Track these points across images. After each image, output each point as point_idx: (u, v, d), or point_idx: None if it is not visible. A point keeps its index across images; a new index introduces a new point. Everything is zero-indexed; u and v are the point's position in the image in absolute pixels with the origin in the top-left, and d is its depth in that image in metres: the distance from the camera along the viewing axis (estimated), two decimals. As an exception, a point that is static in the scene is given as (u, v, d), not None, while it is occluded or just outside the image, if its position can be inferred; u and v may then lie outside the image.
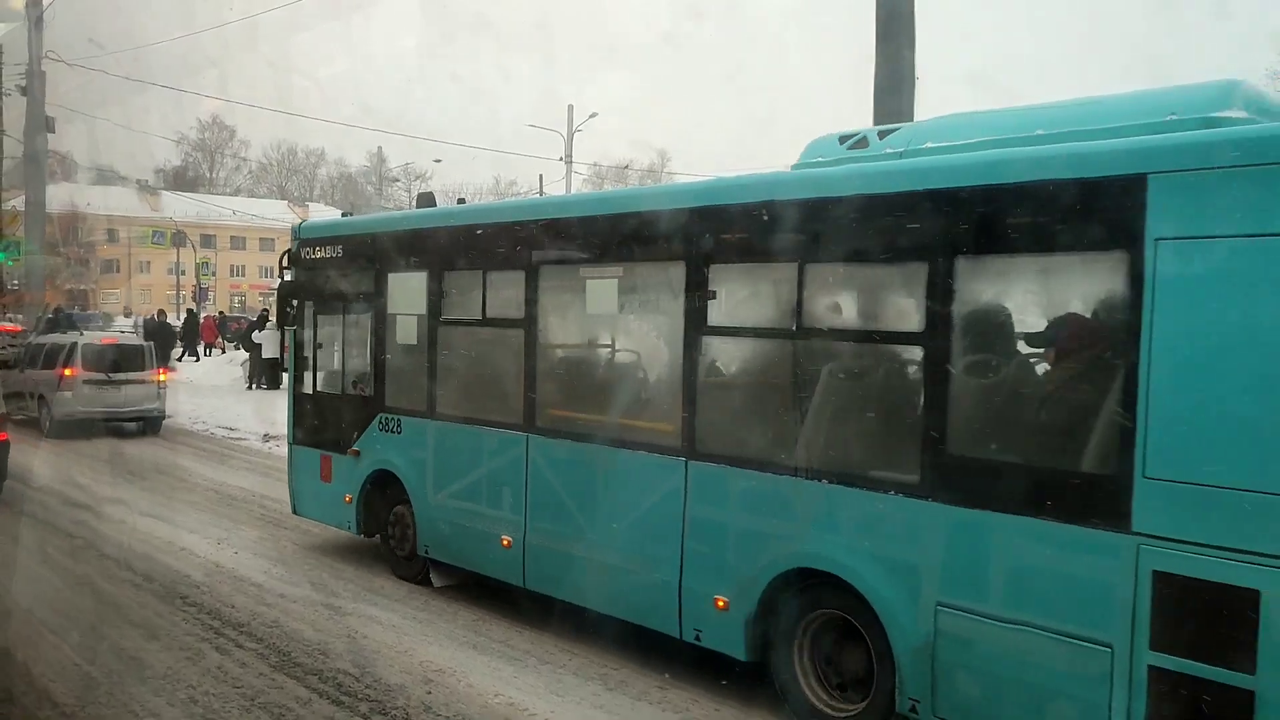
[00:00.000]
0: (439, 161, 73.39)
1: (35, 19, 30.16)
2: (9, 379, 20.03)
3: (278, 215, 73.48)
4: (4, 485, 12.25)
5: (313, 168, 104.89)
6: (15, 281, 34.54)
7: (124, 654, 7.27)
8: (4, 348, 23.19)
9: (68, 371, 18.45)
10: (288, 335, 10.68)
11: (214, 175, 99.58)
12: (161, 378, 19.48)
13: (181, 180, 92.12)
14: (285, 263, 10.59)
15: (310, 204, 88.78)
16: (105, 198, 71.83)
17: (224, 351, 37.41)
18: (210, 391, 24.86)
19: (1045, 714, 5.12)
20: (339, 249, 10.03)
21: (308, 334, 10.42)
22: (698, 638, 6.75)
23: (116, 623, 7.94)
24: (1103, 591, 4.86)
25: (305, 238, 10.44)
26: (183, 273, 68.83)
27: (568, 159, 45.60)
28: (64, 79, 31.60)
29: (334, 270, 10.07)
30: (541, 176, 51.30)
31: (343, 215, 12.31)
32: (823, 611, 6.20)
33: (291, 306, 10.50)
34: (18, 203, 43.70)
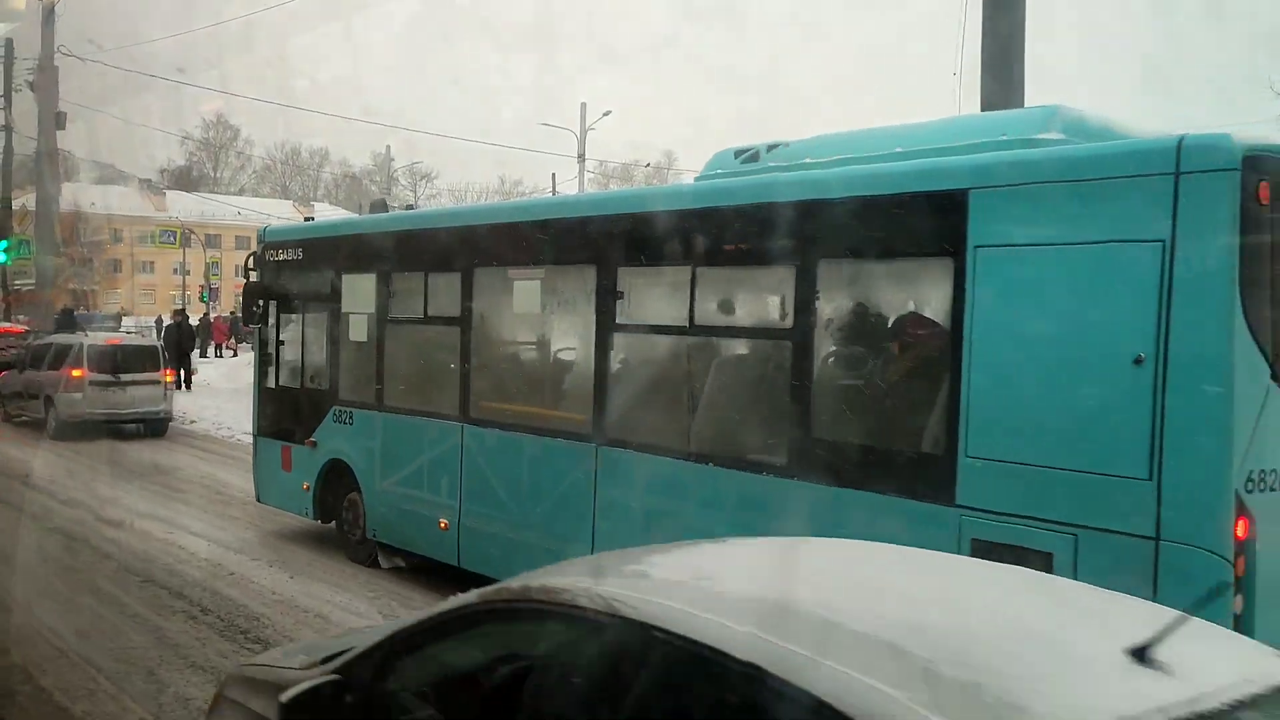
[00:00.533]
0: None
1: (47, 12, 29.42)
2: (11, 380, 20.39)
3: (283, 215, 73.73)
4: None
5: (316, 168, 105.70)
6: (17, 282, 34.34)
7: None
8: (4, 349, 23.29)
9: (74, 372, 18.24)
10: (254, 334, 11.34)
11: (218, 175, 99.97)
12: (169, 379, 19.30)
13: (185, 180, 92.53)
14: (250, 264, 11.24)
15: (315, 204, 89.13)
16: (107, 197, 72.20)
17: (236, 354, 37.54)
18: (230, 395, 23.14)
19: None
20: (299, 252, 10.69)
21: (271, 332, 11.07)
22: (606, 609, 7.37)
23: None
24: (934, 558, 5.48)
25: (270, 241, 11.10)
26: (187, 272, 69.54)
27: (580, 157, 45.11)
28: (67, 76, 30.40)
29: (295, 272, 10.72)
30: (554, 175, 50.94)
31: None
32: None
33: (257, 306, 11.13)
34: (28, 200, 43.81)
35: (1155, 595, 4.66)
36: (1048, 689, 2.26)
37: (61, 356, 18.72)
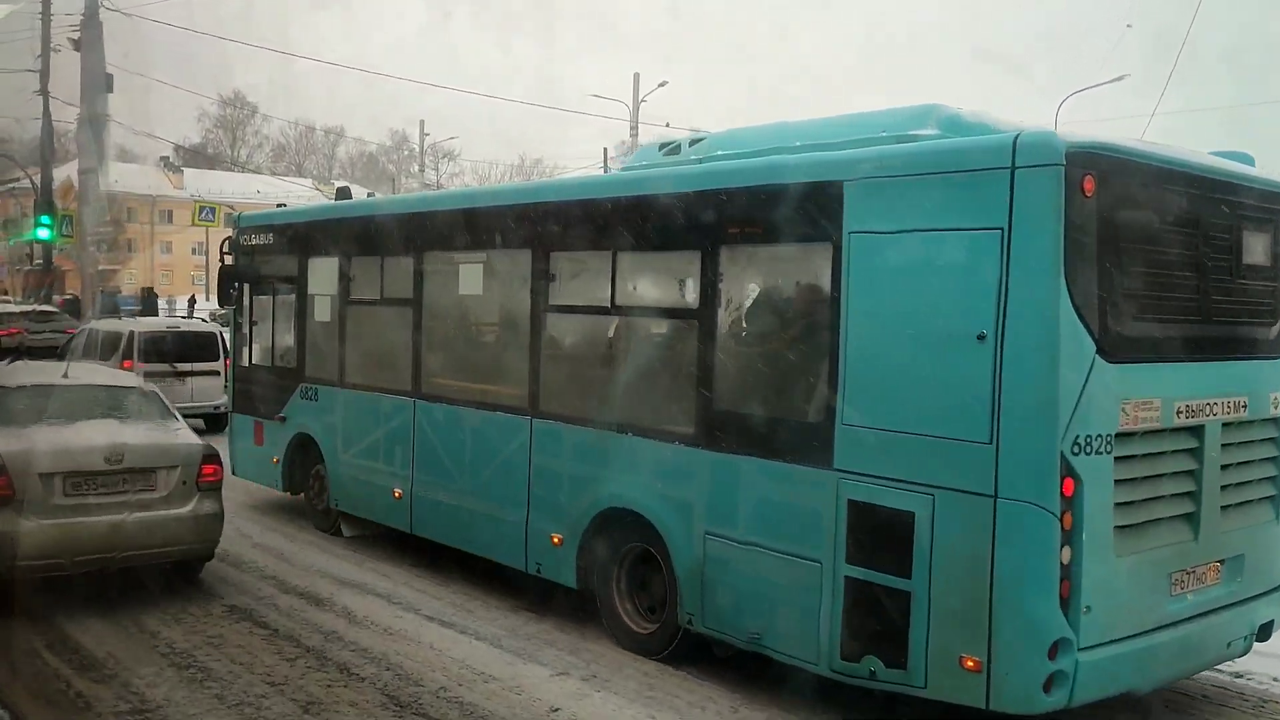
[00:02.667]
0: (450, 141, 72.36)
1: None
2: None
3: (302, 194, 73.09)
4: None
5: (331, 146, 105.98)
6: (35, 259, 32.10)
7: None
8: (34, 334, 22.61)
9: (124, 365, 15.65)
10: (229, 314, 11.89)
11: (235, 153, 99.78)
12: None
13: (201, 158, 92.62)
14: (225, 249, 11.78)
15: (335, 183, 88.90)
16: (123, 174, 71.88)
17: None
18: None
19: (776, 619, 6.28)
20: (270, 237, 11.24)
21: (245, 313, 11.63)
22: (539, 570, 7.94)
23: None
24: (815, 517, 6.01)
25: (244, 226, 11.66)
26: (205, 252, 69.60)
27: (633, 129, 42.50)
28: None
29: (266, 256, 11.27)
30: (606, 150, 49.70)
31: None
32: (631, 545, 7.36)
33: (233, 288, 11.68)
34: (70, 171, 42.17)
35: (994, 547, 5.21)
36: None
37: (110, 346, 16.41)
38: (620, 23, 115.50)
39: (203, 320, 28.75)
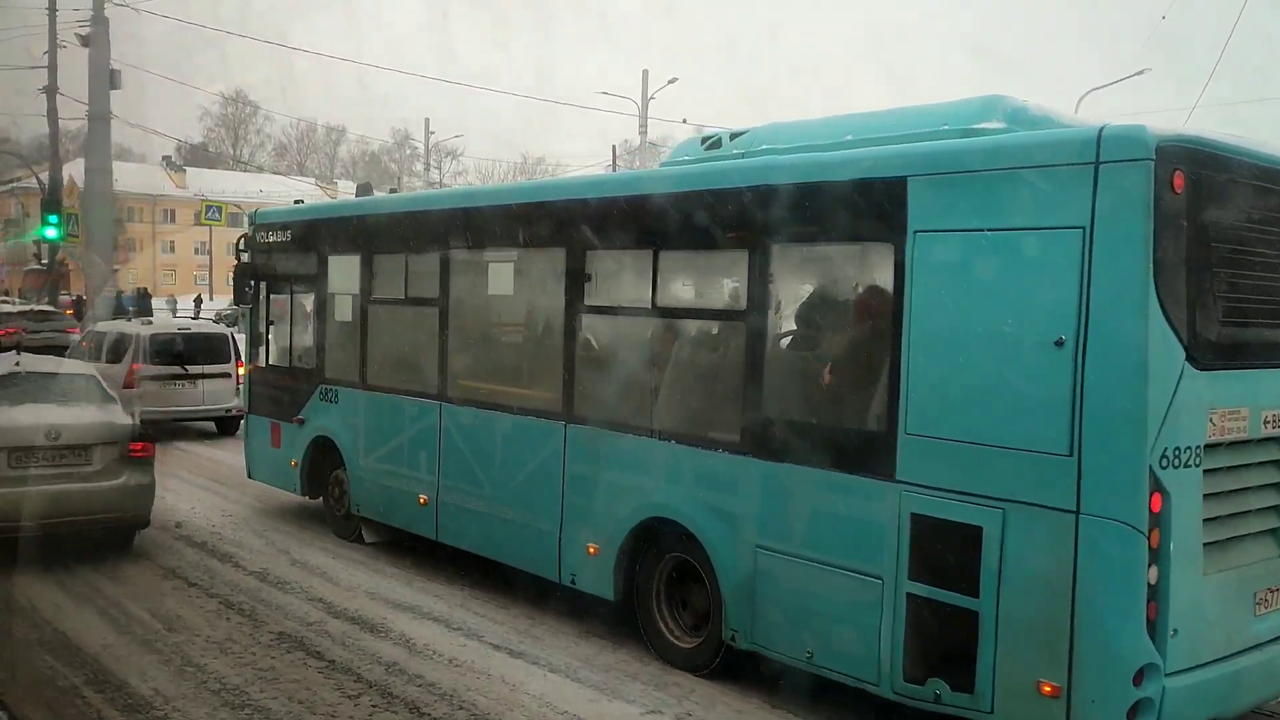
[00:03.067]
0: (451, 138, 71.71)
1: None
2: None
3: (306, 193, 72.82)
4: None
5: (333, 145, 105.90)
6: (42, 259, 31.61)
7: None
8: (33, 334, 22.46)
9: (132, 367, 15.85)
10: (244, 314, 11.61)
11: (237, 152, 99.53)
12: (241, 371, 16.13)
13: (201, 157, 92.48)
14: (241, 246, 11.49)
15: (339, 182, 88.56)
16: (123, 173, 71.69)
17: None
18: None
19: (833, 638, 5.98)
20: (288, 234, 10.93)
21: (262, 313, 11.33)
22: (573, 581, 7.64)
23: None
24: (875, 531, 5.71)
25: (260, 223, 11.36)
26: (209, 252, 69.49)
27: (642, 128, 41.98)
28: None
29: (284, 254, 10.97)
30: (615, 147, 49.34)
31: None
32: (672, 555, 7.06)
33: (248, 287, 11.39)
34: (73, 170, 40.75)
35: (1075, 567, 4.90)
36: None
37: (120, 347, 16.35)
38: (615, 22, 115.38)
39: (212, 320, 28.43)
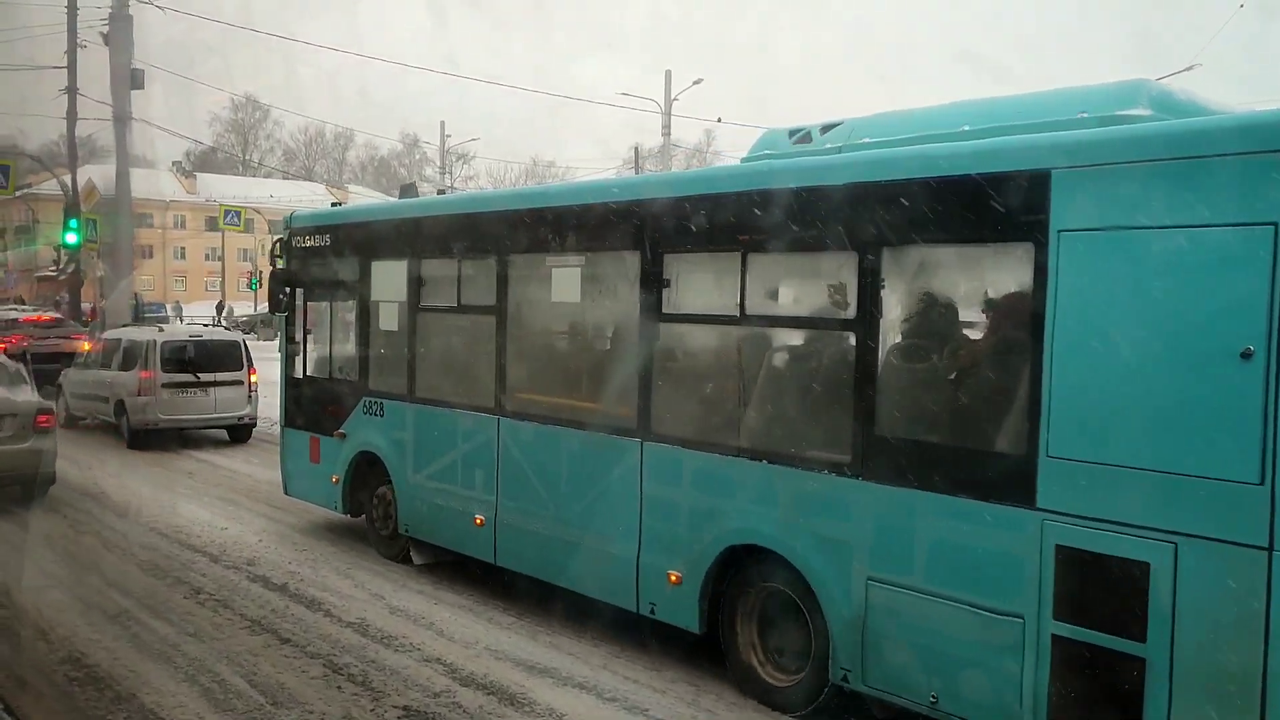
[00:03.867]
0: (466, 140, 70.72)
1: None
2: (77, 380, 18.29)
3: (316, 198, 71.91)
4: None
5: (341, 149, 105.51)
6: (51, 270, 31.16)
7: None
8: (40, 339, 22.41)
9: (145, 374, 16.19)
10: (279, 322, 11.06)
11: (247, 157, 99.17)
12: (253, 379, 17.02)
13: (211, 163, 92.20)
14: (277, 251, 10.95)
15: (350, 187, 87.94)
16: (135, 178, 71.17)
17: None
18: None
19: (964, 682, 5.39)
20: (328, 238, 10.38)
21: (299, 320, 10.78)
22: (652, 611, 7.06)
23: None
24: (1013, 565, 5.12)
25: (297, 227, 10.79)
26: (220, 258, 69.07)
27: (665, 130, 40.50)
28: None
29: (323, 259, 10.41)
30: (637, 148, 48.67)
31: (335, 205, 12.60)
32: (765, 586, 6.48)
33: (284, 294, 10.84)
34: (90, 174, 40.69)
35: (1269, 611, 4.31)
36: None
37: (133, 355, 16.67)
38: (615, 22, 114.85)
39: (225, 328, 27.93)
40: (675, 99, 39.02)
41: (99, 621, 7.79)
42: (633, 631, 7.49)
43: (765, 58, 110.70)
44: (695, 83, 40.11)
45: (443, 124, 53.75)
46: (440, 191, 13.30)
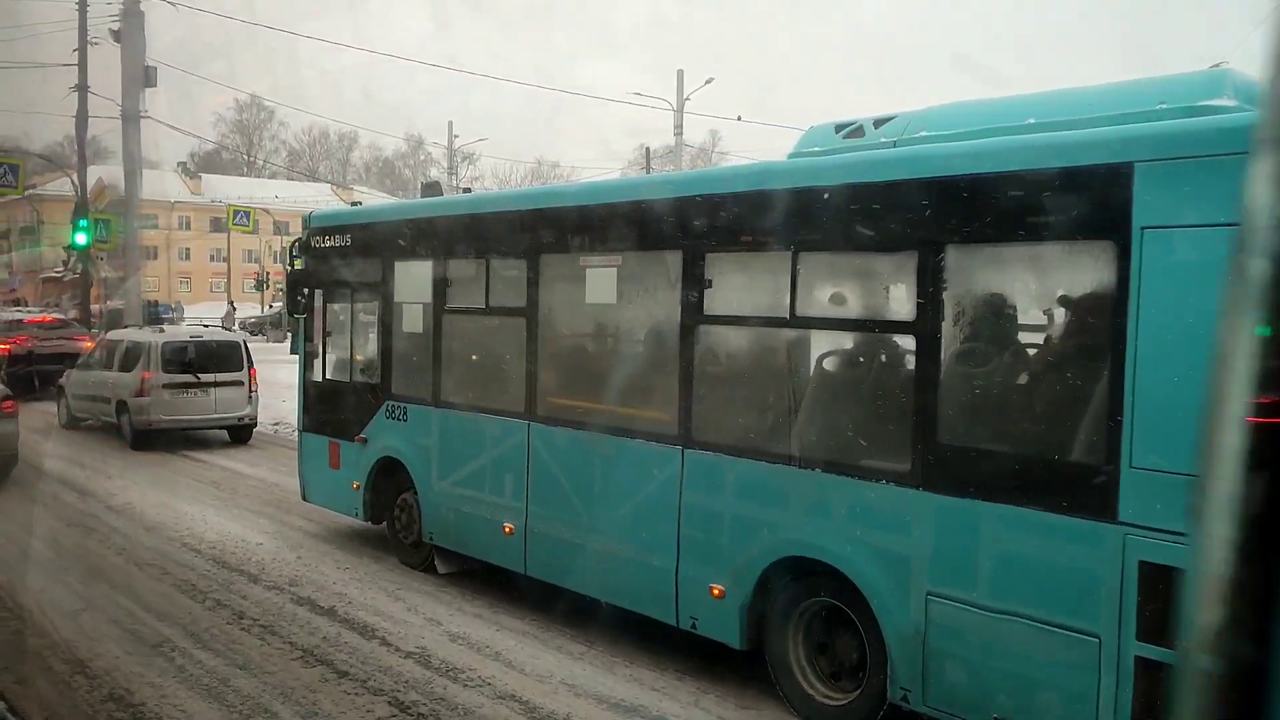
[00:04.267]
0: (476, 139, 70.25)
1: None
2: (78, 381, 18.25)
3: (322, 199, 71.35)
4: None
5: (345, 150, 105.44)
6: (74, 264, 30.80)
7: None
8: (44, 340, 22.53)
9: (146, 375, 16.22)
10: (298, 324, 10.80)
11: (252, 158, 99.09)
12: (254, 379, 17.08)
13: (215, 164, 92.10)
14: (296, 251, 10.70)
15: (356, 188, 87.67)
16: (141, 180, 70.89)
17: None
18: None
19: (1034, 705, 5.11)
20: (348, 238, 10.11)
21: (318, 322, 10.52)
22: (694, 625, 6.78)
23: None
24: (1090, 581, 4.84)
25: (316, 227, 10.53)
26: (225, 259, 68.87)
27: (678, 130, 39.55)
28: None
29: (343, 259, 10.15)
30: (648, 149, 48.26)
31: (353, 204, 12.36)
32: (816, 600, 6.20)
33: (302, 295, 10.58)
34: (103, 173, 40.51)
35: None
36: None
37: (133, 356, 16.75)
38: (612, 25, 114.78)
39: (226, 329, 27.92)
40: (688, 98, 38.54)
41: (140, 652, 7.27)
42: (718, 662, 6.96)
43: (765, 58, 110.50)
44: (707, 82, 39.67)
45: (450, 124, 53.62)
46: (465, 190, 13.10)
